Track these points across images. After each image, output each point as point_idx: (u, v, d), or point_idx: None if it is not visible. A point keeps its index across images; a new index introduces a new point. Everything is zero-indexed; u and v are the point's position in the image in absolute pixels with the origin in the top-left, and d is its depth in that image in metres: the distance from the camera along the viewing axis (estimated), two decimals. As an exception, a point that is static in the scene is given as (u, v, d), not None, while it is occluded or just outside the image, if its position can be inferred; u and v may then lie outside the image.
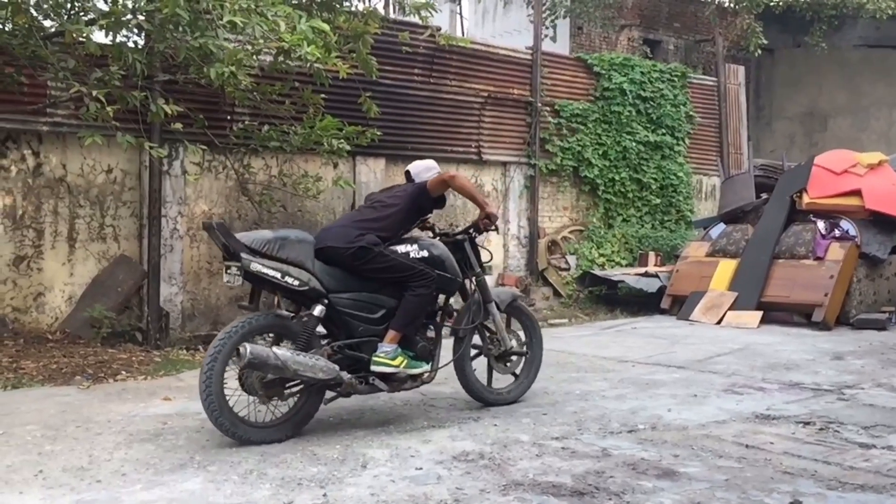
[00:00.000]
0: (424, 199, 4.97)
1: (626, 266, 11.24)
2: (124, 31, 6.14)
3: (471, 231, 5.22)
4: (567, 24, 16.04)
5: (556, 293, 10.89)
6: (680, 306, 9.73)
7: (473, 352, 5.29)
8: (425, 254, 4.81)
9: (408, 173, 5.22)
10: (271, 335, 4.56)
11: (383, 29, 8.20)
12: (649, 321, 9.50)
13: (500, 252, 10.88)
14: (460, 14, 18.81)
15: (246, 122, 8.06)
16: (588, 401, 5.39)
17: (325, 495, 3.54)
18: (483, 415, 5.00)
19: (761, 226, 9.92)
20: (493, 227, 5.20)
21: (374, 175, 9.41)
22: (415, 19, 7.97)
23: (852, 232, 9.28)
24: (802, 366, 6.67)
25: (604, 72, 11.83)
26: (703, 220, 12.13)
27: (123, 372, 6.29)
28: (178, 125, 6.64)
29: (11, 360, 6.29)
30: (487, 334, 5.29)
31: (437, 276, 4.76)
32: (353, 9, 7.54)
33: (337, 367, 4.45)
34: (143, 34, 6.49)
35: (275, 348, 4.28)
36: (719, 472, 3.87)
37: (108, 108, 5.80)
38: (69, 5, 6.09)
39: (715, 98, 13.59)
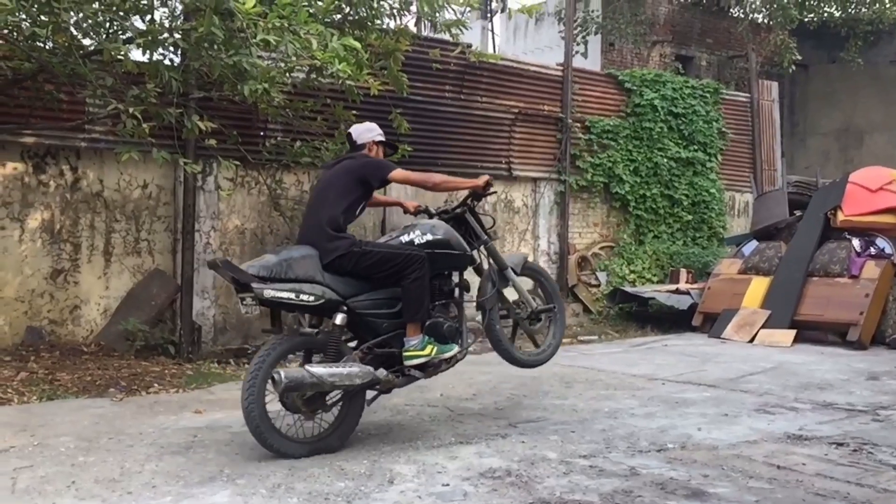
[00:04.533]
0: (377, 179, 4.83)
1: (657, 283, 11.16)
2: (161, 50, 6.25)
3: (469, 201, 5.18)
4: (598, 41, 16.03)
5: (586, 309, 10.83)
6: (711, 324, 9.63)
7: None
8: (429, 237, 4.77)
9: (349, 136, 5.12)
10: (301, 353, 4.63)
11: (414, 46, 8.28)
12: (680, 339, 9.42)
13: (529, 268, 10.85)
14: (492, 31, 18.90)
15: (278, 138, 8.16)
16: (617, 419, 5.36)
17: (351, 510, 3.55)
18: (510, 431, 4.99)
19: (795, 243, 9.80)
20: (491, 191, 5.19)
21: (404, 190, 9.43)
22: (446, 36, 8.03)
23: (888, 250, 9.14)
24: (836, 385, 6.56)
25: (635, 88, 11.81)
26: (735, 236, 12.01)
27: (156, 384, 6.37)
28: (212, 141, 6.75)
29: (47, 371, 6.41)
30: (513, 300, 5.35)
31: (425, 255, 4.67)
32: (384, 27, 7.62)
33: (371, 369, 4.49)
34: (178, 52, 6.61)
35: (308, 366, 4.33)
36: (749, 493, 3.82)
37: (145, 125, 5.92)
38: (108, 24, 6.23)
39: (748, 114, 13.49)
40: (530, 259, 5.51)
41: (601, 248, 11.55)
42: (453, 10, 7.61)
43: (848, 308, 8.74)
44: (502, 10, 18.39)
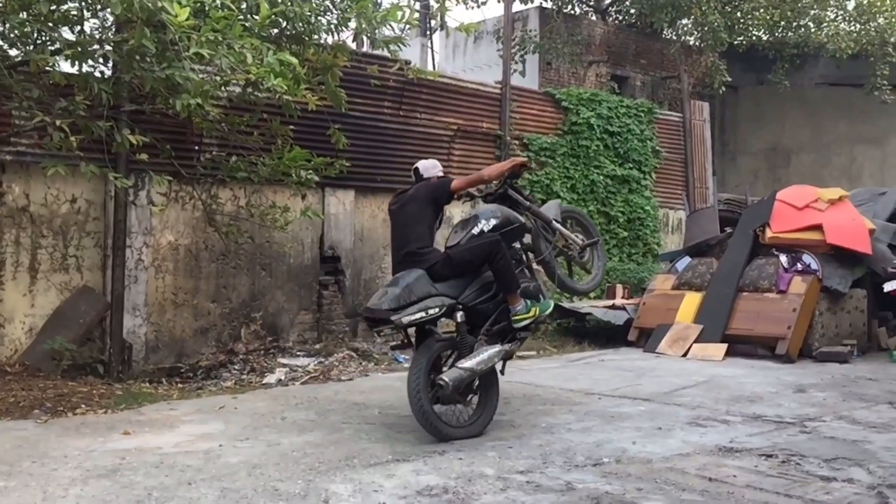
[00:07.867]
0: (444, 196, 5.67)
1: (594, 298, 11.29)
2: (90, 62, 6.11)
3: (507, 179, 5.98)
4: (536, 60, 16.27)
5: (525, 325, 10.88)
6: (647, 339, 9.77)
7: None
8: (494, 222, 5.56)
9: (416, 170, 5.95)
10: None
11: (352, 62, 8.26)
12: (616, 353, 9.53)
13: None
14: (431, 48, 19.04)
15: (214, 153, 8.02)
16: (554, 434, 5.39)
17: (285, 531, 3.48)
18: (448, 448, 4.97)
19: (726, 259, 10.03)
20: (529, 167, 5.90)
21: (342, 206, 9.41)
22: (384, 53, 8.03)
23: (814, 266, 9.41)
24: (766, 398, 6.72)
25: (572, 106, 11.99)
26: (669, 253, 12.23)
27: (83, 405, 6.17)
28: (144, 156, 6.60)
29: (-33, 393, 6.15)
30: (561, 245, 6.33)
31: (500, 237, 5.43)
32: (322, 42, 7.58)
33: (499, 345, 5.36)
34: (109, 64, 6.46)
35: (458, 365, 5.07)
36: (682, 505, 3.88)
37: (73, 138, 5.76)
38: (35, 35, 6.06)
39: (681, 133, 13.82)
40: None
41: (539, 264, 11.62)
42: (392, 27, 7.61)
43: (776, 322, 8.96)
44: (441, 28, 18.52)
